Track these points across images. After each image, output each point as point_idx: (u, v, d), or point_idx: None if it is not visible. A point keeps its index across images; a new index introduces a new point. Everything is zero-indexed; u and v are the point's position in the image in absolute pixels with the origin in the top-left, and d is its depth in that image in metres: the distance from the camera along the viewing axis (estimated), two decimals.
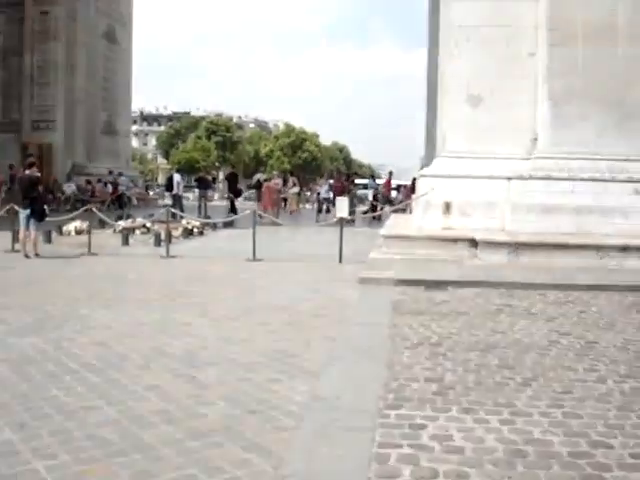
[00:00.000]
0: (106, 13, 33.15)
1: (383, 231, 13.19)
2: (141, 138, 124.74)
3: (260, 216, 23.94)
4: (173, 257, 13.69)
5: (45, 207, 13.59)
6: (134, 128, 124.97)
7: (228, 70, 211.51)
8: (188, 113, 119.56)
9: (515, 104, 13.54)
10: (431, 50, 19.50)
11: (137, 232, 18.05)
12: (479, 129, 13.64)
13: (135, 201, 33.49)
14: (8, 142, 31.33)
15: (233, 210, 23.72)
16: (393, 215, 17.65)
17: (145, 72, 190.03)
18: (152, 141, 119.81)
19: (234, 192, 25.01)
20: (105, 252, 14.46)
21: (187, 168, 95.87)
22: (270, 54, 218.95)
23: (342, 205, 13.29)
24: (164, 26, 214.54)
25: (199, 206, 24.43)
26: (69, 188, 29.94)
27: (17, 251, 13.86)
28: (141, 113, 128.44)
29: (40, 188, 14.12)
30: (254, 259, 13.24)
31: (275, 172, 31.06)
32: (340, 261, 12.96)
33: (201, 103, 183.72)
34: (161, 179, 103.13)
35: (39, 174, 13.98)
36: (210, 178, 28.28)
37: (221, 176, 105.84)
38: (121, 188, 31.77)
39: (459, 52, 13.95)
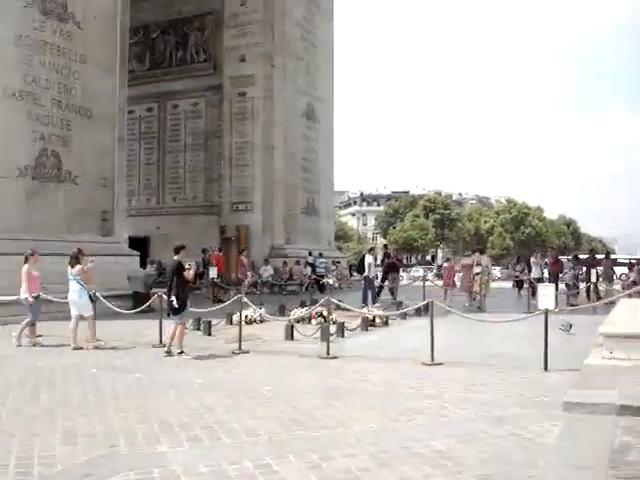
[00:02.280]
0: (305, 91, 32.30)
1: (603, 327, 9.74)
2: (360, 218, 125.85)
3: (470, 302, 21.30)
4: (334, 358, 11.12)
5: (172, 298, 11.54)
6: (354, 209, 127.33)
7: (447, 147, 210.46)
8: (407, 192, 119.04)
9: None
10: None
11: (313, 322, 15.79)
12: None
13: (336, 283, 31.57)
14: (210, 225, 31.06)
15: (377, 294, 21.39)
16: (623, 301, 13.72)
17: (364, 154, 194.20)
18: (371, 221, 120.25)
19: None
20: (260, 349, 12.24)
21: (405, 247, 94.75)
22: (488, 128, 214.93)
23: (547, 293, 10.03)
24: (378, 107, 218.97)
25: (390, 290, 21.90)
26: (266, 272, 28.69)
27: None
28: (361, 194, 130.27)
29: (190, 274, 12.18)
30: (432, 362, 10.34)
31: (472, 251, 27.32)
32: (545, 368, 9.68)
33: (420, 182, 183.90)
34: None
35: (180, 260, 12.00)
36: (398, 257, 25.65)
37: (440, 254, 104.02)
38: (320, 270, 30.09)
39: None
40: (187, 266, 11.84)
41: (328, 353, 11.25)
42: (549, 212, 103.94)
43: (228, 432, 6.67)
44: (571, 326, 13.53)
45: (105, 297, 15.29)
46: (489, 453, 5.85)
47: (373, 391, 8.56)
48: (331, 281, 30.93)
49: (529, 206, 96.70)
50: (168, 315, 12.03)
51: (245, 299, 12.94)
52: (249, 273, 26.30)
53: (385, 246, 26.33)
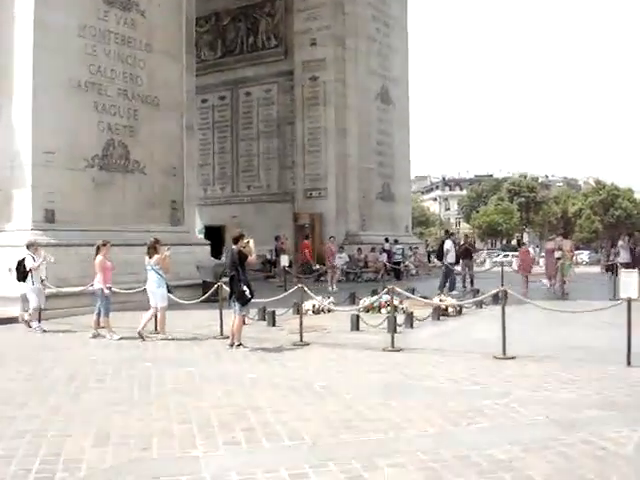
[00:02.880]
0: (378, 73, 31.43)
1: None
2: (442, 203, 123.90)
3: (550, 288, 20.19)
4: (398, 350, 10.46)
5: (244, 288, 11.06)
6: (435, 194, 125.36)
7: (533, 128, 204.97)
8: (491, 175, 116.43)
9: None
10: None
11: (383, 311, 15.13)
12: None
13: (414, 270, 30.77)
14: (284, 213, 30.68)
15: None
16: None
17: (447, 138, 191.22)
18: (454, 206, 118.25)
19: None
20: (322, 340, 11.68)
21: (489, 231, 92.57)
22: (575, 108, 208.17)
23: (630, 280, 9.06)
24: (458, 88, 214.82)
25: (463, 277, 20.96)
26: (340, 259, 28.05)
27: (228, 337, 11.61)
28: (443, 178, 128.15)
29: (254, 260, 11.70)
30: (503, 356, 9.55)
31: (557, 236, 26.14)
32: (628, 363, 8.77)
33: (505, 165, 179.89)
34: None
35: (240, 249, 11.44)
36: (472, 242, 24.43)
37: (526, 238, 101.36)
38: (397, 257, 29.32)
39: None
40: (246, 241, 11.37)
41: (393, 345, 10.60)
42: None
43: (270, 435, 6.14)
44: None
45: (175, 287, 15.16)
46: (556, 465, 5.12)
47: (435, 388, 7.87)
48: (411, 267, 30.27)
49: (619, 187, 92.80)
50: (229, 305, 11.59)
51: (306, 288, 12.29)
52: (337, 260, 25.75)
53: (446, 231, 25.32)
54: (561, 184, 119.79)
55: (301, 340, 11.39)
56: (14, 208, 17.35)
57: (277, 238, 27.05)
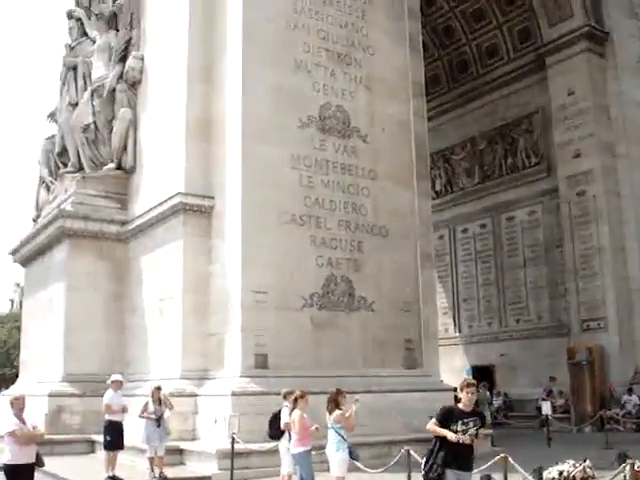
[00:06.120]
0: None
1: None
2: None
3: None
4: None
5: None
6: None
7: None
8: None
9: None
10: None
11: None
12: None
13: None
14: (558, 348, 26.63)
15: None
16: None
17: None
18: None
19: None
20: None
21: None
22: None
23: None
24: None
25: None
26: (629, 402, 23.34)
27: None
28: None
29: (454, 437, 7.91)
30: None
31: None
32: None
33: None
34: None
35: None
36: None
37: None
38: None
39: None
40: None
41: None
42: None
43: None
44: None
45: (404, 441, 12.66)
46: None
47: None
48: None
49: None
50: None
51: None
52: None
53: None
54: None
55: None
56: (226, 354, 16.30)
57: (552, 379, 23.22)
